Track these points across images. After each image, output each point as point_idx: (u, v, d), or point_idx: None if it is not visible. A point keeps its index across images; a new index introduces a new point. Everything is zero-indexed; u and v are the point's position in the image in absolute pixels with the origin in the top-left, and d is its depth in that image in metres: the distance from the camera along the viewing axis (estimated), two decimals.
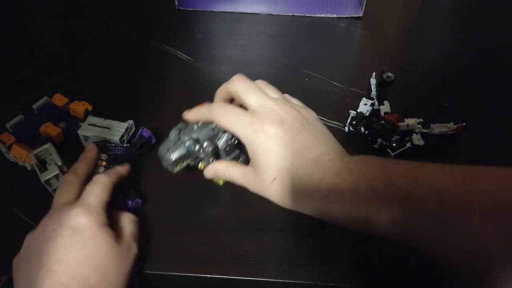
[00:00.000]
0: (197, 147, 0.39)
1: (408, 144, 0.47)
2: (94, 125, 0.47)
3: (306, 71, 0.59)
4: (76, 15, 0.69)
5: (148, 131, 0.46)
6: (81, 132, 0.46)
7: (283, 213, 0.42)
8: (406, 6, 0.76)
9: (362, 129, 0.48)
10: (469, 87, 0.59)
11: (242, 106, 0.38)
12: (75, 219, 0.34)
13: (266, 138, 0.35)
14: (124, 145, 0.47)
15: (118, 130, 0.47)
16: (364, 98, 0.52)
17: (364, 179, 0.32)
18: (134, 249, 0.37)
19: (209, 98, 0.42)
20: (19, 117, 0.48)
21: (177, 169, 0.40)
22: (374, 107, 0.51)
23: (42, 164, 0.43)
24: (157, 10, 0.70)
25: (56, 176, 0.42)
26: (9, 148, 0.45)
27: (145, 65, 0.60)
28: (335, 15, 0.70)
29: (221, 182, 0.43)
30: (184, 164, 0.40)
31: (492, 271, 0.28)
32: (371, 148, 0.48)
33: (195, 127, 0.40)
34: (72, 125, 0.48)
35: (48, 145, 0.43)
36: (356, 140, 0.49)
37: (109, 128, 0.47)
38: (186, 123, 0.41)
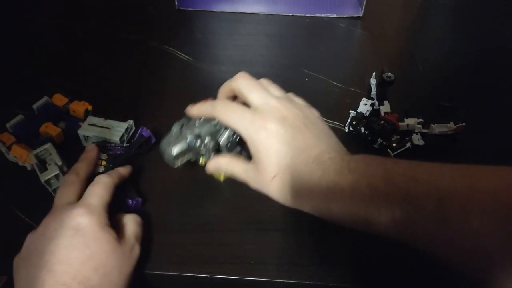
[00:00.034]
0: (198, 142, 0.39)
1: (408, 144, 0.47)
2: (94, 125, 0.47)
3: (306, 71, 0.59)
4: (76, 15, 0.69)
5: (148, 130, 0.46)
6: (81, 132, 0.46)
7: (283, 213, 0.42)
8: (406, 6, 0.76)
9: (362, 129, 0.48)
10: (469, 87, 0.59)
11: (245, 104, 0.39)
12: (77, 219, 0.34)
13: (267, 135, 0.35)
14: (124, 145, 0.47)
15: (118, 130, 0.47)
16: (364, 98, 0.52)
17: (364, 178, 0.32)
18: (136, 250, 0.37)
19: (209, 98, 0.42)
20: (19, 117, 0.48)
21: (178, 163, 0.40)
22: (374, 107, 0.51)
23: (42, 164, 0.43)
24: (157, 10, 0.70)
25: (56, 176, 0.42)
26: (9, 148, 0.45)
27: (145, 65, 0.60)
28: (335, 15, 0.70)
29: (221, 179, 0.43)
30: (186, 158, 0.41)
31: (492, 270, 0.28)
32: (371, 148, 0.48)
33: (197, 123, 0.40)
34: (72, 125, 0.48)
35: (48, 145, 0.43)
36: (356, 140, 0.49)
37: (109, 128, 0.47)
38: (189, 118, 0.41)
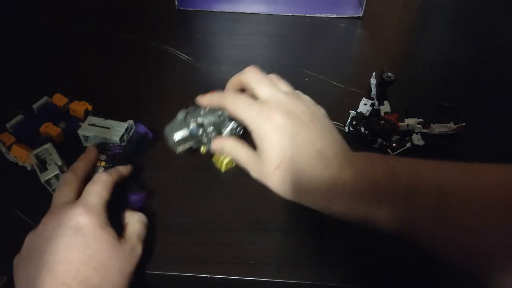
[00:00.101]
0: (200, 131, 0.40)
1: (408, 144, 0.47)
2: (94, 125, 0.47)
3: (306, 71, 0.59)
4: (76, 15, 0.69)
5: (142, 125, 0.46)
6: (81, 132, 0.46)
7: (283, 213, 0.42)
8: (406, 6, 0.76)
9: (362, 129, 0.48)
10: (469, 87, 0.59)
11: (253, 98, 0.39)
12: (76, 219, 0.34)
13: (272, 127, 0.35)
14: (122, 144, 0.47)
15: (118, 130, 0.47)
16: (364, 98, 0.52)
17: (366, 174, 0.32)
18: (138, 249, 0.37)
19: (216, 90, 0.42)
20: (19, 117, 0.48)
21: (179, 149, 0.41)
22: (374, 107, 0.51)
23: (42, 164, 0.43)
24: (157, 10, 0.70)
25: (56, 176, 0.42)
26: (9, 148, 0.45)
27: (145, 65, 0.60)
28: (335, 15, 0.70)
29: (223, 169, 0.43)
30: (187, 145, 0.41)
31: (492, 269, 0.28)
32: (371, 148, 0.48)
33: (202, 112, 0.41)
34: (72, 125, 0.48)
35: (48, 145, 0.43)
36: (356, 140, 0.49)
37: (109, 128, 0.47)
38: (195, 107, 0.42)
